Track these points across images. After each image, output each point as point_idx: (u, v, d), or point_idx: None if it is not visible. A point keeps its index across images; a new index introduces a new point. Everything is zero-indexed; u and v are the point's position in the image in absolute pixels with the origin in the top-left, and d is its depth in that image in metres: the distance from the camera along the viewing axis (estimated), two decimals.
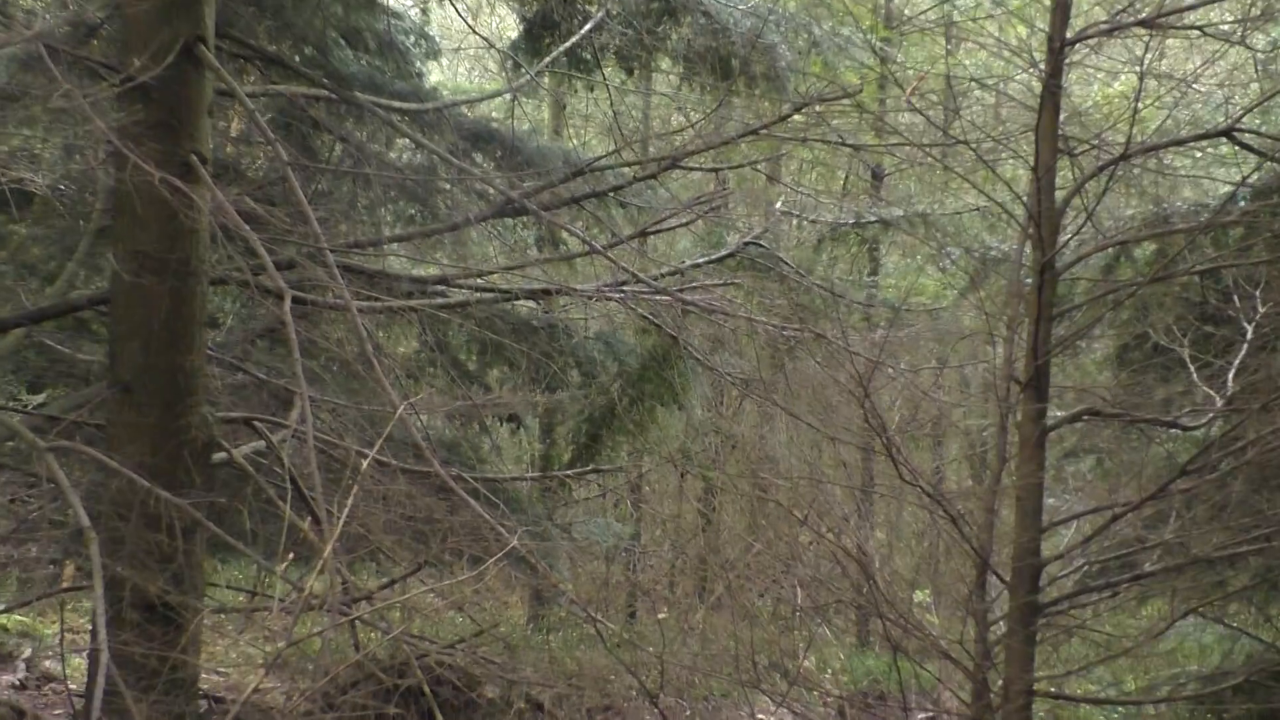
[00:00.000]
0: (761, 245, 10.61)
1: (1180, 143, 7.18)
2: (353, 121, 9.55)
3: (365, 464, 6.51)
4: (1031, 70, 6.97)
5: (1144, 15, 6.46)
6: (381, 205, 9.92)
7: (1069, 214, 6.75)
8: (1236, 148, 6.76)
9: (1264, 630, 8.59)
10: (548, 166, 9.48)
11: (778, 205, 13.00)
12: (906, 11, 17.50)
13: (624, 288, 9.42)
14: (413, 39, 10.30)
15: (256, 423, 7.81)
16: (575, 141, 16.26)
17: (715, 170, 12.36)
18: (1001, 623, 6.94)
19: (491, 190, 9.45)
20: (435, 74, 15.63)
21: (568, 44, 9.58)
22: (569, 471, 13.11)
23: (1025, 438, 6.59)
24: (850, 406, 8.11)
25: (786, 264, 10.63)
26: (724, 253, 10.64)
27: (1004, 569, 6.80)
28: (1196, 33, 6.63)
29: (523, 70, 10.14)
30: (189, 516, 6.53)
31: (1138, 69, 6.52)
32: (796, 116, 9.14)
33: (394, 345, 11.08)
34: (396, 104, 8.84)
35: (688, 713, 10.95)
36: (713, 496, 15.34)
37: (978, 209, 13.62)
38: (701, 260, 10.46)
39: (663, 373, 12.36)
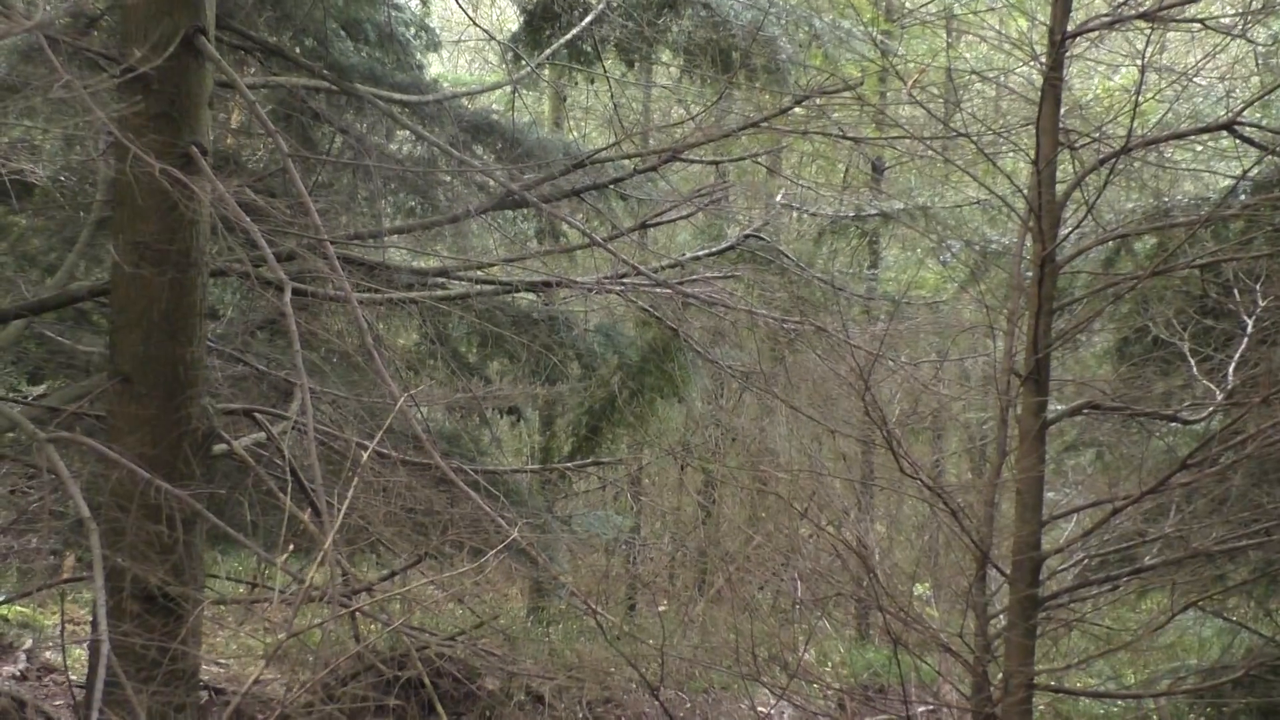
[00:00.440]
0: (762, 238, 10.61)
1: (1181, 136, 7.16)
2: (353, 113, 9.55)
3: (365, 456, 6.51)
4: (1032, 63, 6.95)
5: (1145, 8, 6.45)
6: (382, 197, 9.92)
7: (1069, 207, 6.75)
8: (1237, 141, 6.76)
9: (1264, 624, 8.60)
10: (548, 159, 9.48)
11: (778, 198, 12.99)
12: (907, 4, 17.46)
13: (624, 280, 9.42)
14: (413, 31, 10.30)
15: (257, 414, 7.81)
16: (575, 134, 16.27)
17: (715, 163, 12.33)
18: (1001, 616, 6.94)
19: (492, 182, 9.44)
20: (436, 66, 15.64)
21: (568, 36, 9.57)
22: (569, 464, 13.12)
23: (1025, 431, 6.59)
24: (850, 399, 8.12)
25: (787, 257, 10.63)
26: (724, 245, 10.64)
27: (1004, 562, 6.80)
28: (1197, 26, 6.63)
29: (523, 62, 10.13)
30: (189, 508, 6.53)
31: (1139, 62, 6.51)
32: (797, 109, 9.13)
33: (394, 337, 11.09)
34: (397, 96, 8.84)
35: (688, 705, 10.96)
36: (713, 489, 15.38)
37: (978, 202, 13.60)
38: (702, 253, 10.47)
39: (663, 365, 12.37)
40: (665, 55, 11.20)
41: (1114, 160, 6.50)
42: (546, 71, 11.98)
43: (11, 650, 10.81)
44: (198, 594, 7.07)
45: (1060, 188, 6.64)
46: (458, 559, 8.10)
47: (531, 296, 10.68)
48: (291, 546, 7.81)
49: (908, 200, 13.65)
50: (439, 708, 6.38)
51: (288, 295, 6.13)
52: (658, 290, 9.49)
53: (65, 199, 9.05)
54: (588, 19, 9.45)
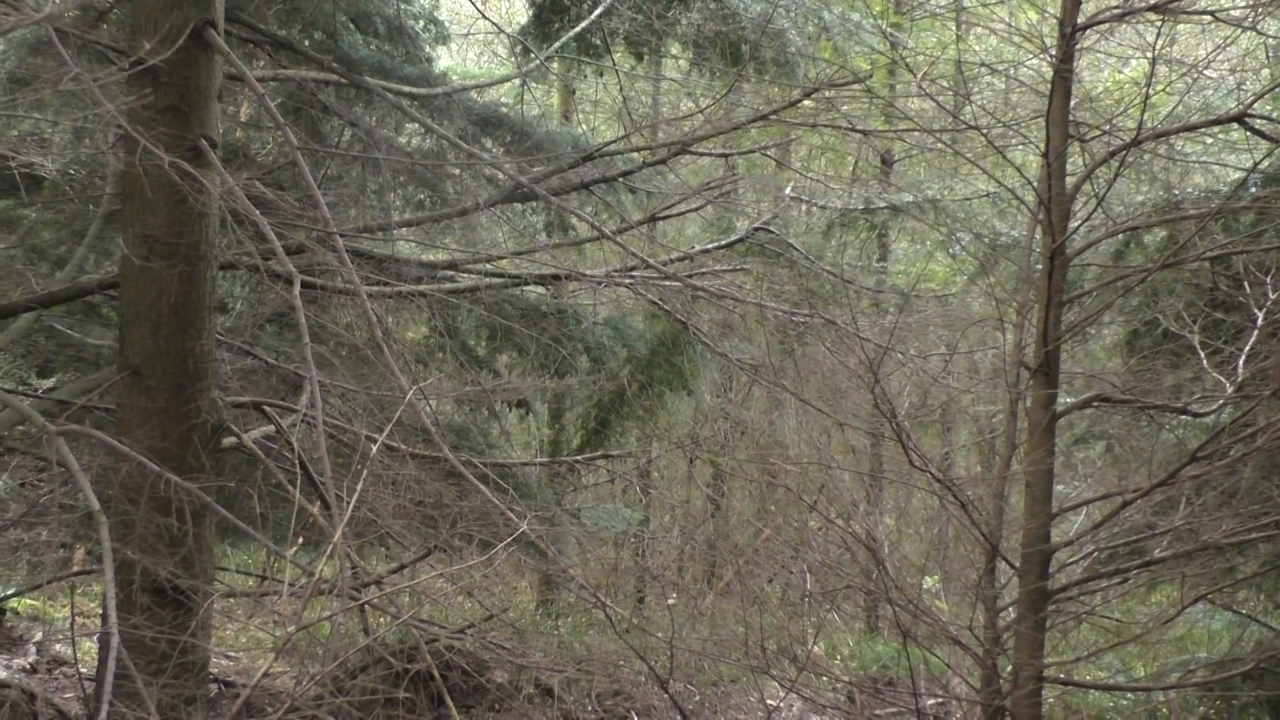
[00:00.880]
0: (771, 231, 10.59)
1: (1191, 128, 7.15)
2: (362, 106, 9.54)
3: (375, 449, 6.51)
4: (1042, 55, 6.93)
5: (1155, 1, 6.43)
6: (391, 190, 9.91)
7: (1079, 200, 6.73)
8: (1248, 133, 6.75)
9: (1274, 617, 8.60)
10: (557, 152, 9.47)
11: (787, 191, 12.96)
12: None
13: (633, 273, 9.42)
14: (422, 24, 10.29)
15: (266, 407, 7.82)
16: (584, 127, 16.22)
17: (724, 156, 12.33)
18: (1011, 609, 6.94)
19: (501, 175, 9.44)
20: (444, 59, 15.62)
21: (577, 29, 9.55)
22: (578, 457, 13.12)
23: (1035, 423, 6.58)
24: (860, 392, 8.11)
25: (796, 249, 10.61)
26: (733, 238, 10.63)
27: (1013, 555, 6.80)
28: (1208, 18, 6.60)
29: (532, 55, 10.12)
30: (198, 500, 6.54)
31: (1149, 55, 6.50)
32: (806, 102, 9.12)
33: (403, 330, 11.09)
34: (406, 89, 8.83)
35: (697, 698, 10.96)
36: (722, 482, 15.40)
37: (988, 194, 13.57)
38: (711, 246, 10.45)
39: (672, 358, 12.35)
40: (674, 48, 11.18)
41: (1124, 153, 6.49)
42: (555, 64, 11.97)
43: (22, 643, 10.83)
44: (207, 587, 7.08)
45: (1070, 180, 6.62)
46: (467, 552, 8.11)
47: (540, 289, 10.66)
48: (301, 539, 7.82)
49: (917, 193, 13.62)
50: (448, 700, 6.39)
51: (297, 288, 6.13)
52: (667, 283, 9.49)
53: (74, 192, 9.06)
54: (597, 12, 9.44)
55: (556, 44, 9.79)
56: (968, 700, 8.05)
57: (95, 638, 10.65)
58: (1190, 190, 9.09)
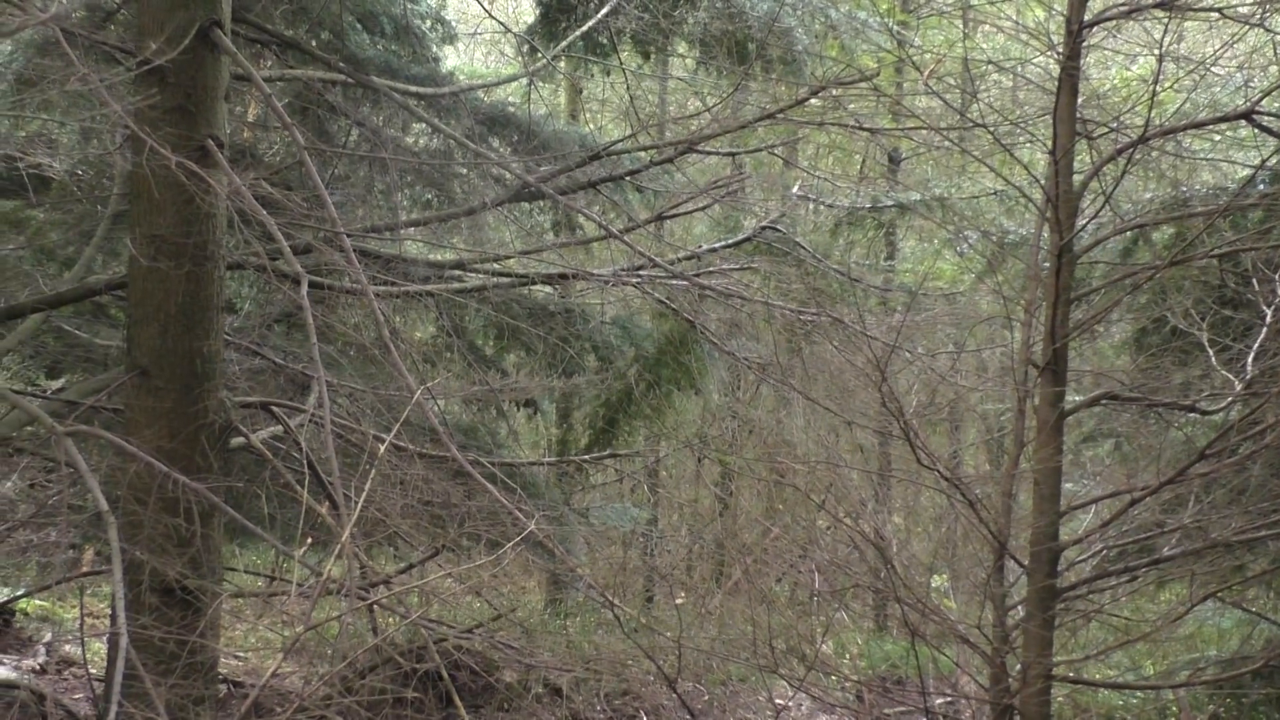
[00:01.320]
0: (778, 229, 10.58)
1: (1199, 125, 7.13)
2: (369, 106, 9.55)
3: (383, 449, 6.52)
4: (1049, 53, 6.93)
5: None
6: (398, 189, 9.92)
7: (1087, 197, 6.72)
8: (1256, 131, 6.72)
9: None
10: (564, 151, 9.47)
11: (794, 189, 12.98)
12: None
13: (641, 272, 9.42)
14: (429, 23, 10.29)
15: (274, 407, 7.82)
16: (591, 126, 16.24)
17: (732, 154, 12.34)
18: (1020, 607, 6.93)
19: (508, 174, 9.44)
20: (452, 58, 15.62)
21: (584, 28, 9.56)
22: (586, 456, 13.13)
23: (1043, 422, 6.57)
24: (867, 391, 8.10)
25: (803, 248, 10.61)
26: (741, 237, 10.63)
27: (1022, 553, 6.79)
28: (1215, 15, 6.59)
29: (539, 55, 10.12)
30: (207, 501, 6.55)
31: (1156, 52, 6.48)
32: (813, 100, 9.11)
33: (411, 330, 11.10)
34: (413, 88, 8.83)
35: (705, 697, 10.96)
36: (730, 481, 15.40)
37: (995, 193, 13.59)
38: (718, 245, 10.44)
39: (679, 357, 12.37)
40: (681, 47, 11.19)
41: (1131, 150, 6.47)
42: (563, 64, 11.96)
43: (31, 644, 10.84)
44: (216, 587, 7.09)
45: (1077, 178, 6.61)
46: (475, 551, 8.12)
47: (548, 289, 10.67)
48: (309, 539, 7.83)
49: (924, 191, 13.63)
50: (457, 700, 6.39)
51: (304, 288, 6.14)
52: (674, 282, 9.48)
53: (82, 192, 9.07)
54: (604, 11, 9.44)
55: (563, 43, 9.80)
56: (977, 699, 8.03)
57: (104, 638, 10.66)
58: (1198, 187, 9.08)
